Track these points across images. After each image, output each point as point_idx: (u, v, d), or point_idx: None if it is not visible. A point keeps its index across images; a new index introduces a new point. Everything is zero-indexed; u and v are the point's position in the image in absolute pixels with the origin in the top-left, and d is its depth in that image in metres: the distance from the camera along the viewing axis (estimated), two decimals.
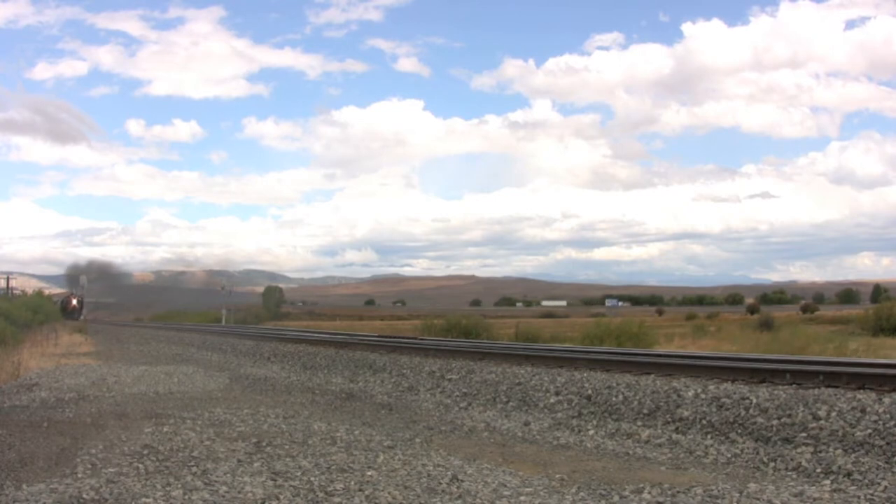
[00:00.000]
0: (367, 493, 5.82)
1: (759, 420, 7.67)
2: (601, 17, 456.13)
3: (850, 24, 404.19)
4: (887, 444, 6.53)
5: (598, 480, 6.29)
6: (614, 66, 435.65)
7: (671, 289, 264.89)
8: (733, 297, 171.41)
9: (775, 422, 7.51)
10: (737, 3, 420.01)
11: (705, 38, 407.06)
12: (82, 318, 73.00)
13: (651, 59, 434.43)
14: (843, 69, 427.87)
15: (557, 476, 6.47)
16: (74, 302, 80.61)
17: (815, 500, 5.63)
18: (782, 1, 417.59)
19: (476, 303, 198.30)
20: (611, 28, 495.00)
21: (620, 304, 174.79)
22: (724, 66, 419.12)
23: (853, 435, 6.81)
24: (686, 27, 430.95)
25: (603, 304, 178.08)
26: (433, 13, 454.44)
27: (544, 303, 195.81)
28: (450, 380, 12.34)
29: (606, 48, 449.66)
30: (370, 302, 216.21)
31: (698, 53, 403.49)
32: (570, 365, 11.68)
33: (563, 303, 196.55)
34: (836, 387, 8.03)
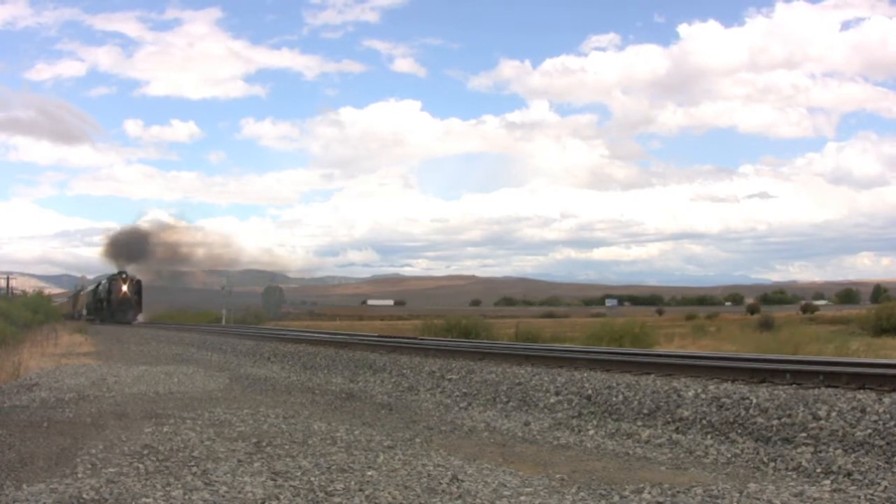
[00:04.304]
0: (367, 493, 5.82)
1: (759, 420, 7.67)
2: (597, 19, 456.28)
3: (846, 25, 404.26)
4: (887, 444, 6.53)
5: (599, 480, 6.29)
6: (611, 66, 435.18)
7: (671, 289, 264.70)
8: (734, 298, 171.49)
9: (775, 422, 7.51)
10: (732, 4, 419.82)
11: (701, 39, 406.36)
12: (138, 319, 49.82)
13: (647, 59, 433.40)
14: (840, 70, 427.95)
15: (557, 476, 6.47)
16: (125, 288, 50.71)
17: (815, 500, 5.63)
18: (778, 2, 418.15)
19: (476, 303, 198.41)
20: (607, 29, 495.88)
21: (618, 303, 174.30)
22: (720, 66, 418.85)
23: (853, 435, 6.81)
24: (682, 28, 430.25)
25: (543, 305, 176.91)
26: (430, 14, 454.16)
27: (370, 302, 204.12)
28: (450, 380, 12.34)
29: (603, 49, 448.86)
30: None
31: (694, 54, 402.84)
32: (570, 365, 11.68)
33: (390, 301, 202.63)
34: (836, 387, 8.03)
